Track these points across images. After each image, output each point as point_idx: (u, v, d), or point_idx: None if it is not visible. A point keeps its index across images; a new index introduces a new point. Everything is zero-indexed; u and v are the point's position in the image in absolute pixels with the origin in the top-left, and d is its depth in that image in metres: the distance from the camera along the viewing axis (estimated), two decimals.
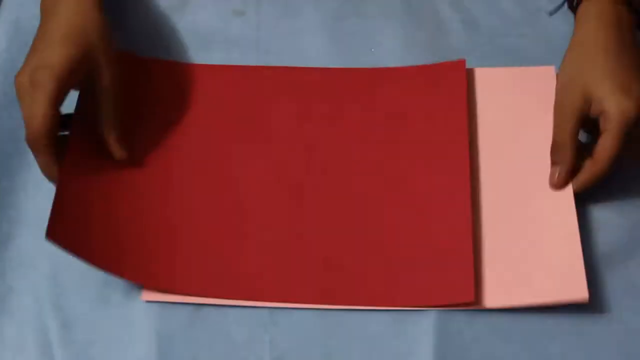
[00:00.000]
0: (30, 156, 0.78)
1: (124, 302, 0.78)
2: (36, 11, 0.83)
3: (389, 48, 0.95)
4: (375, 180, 0.85)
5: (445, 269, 0.78)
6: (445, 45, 0.95)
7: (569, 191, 0.82)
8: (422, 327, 0.77)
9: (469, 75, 0.91)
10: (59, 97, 0.77)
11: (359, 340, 0.77)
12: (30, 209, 0.83)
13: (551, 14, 0.90)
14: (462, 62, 0.91)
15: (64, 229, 0.76)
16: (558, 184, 0.82)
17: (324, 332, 0.77)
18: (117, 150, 0.82)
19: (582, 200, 0.83)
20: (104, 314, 0.78)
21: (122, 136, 0.82)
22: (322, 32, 0.96)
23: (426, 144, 0.86)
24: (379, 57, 0.94)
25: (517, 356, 0.76)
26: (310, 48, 0.95)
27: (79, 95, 0.86)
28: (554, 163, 0.83)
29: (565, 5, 0.95)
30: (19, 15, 0.97)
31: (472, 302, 0.76)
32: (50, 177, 0.79)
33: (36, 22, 0.82)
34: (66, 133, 0.81)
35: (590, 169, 0.80)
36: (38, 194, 0.84)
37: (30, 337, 0.77)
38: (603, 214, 0.83)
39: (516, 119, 0.88)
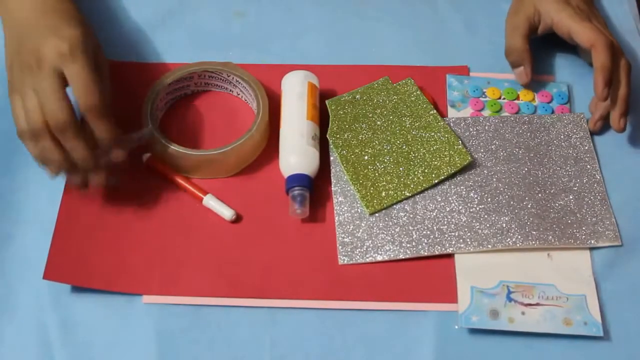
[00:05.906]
0: (30, 156, 0.77)
1: (124, 302, 0.78)
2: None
3: (389, 48, 0.95)
4: None
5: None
6: (445, 45, 0.95)
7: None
8: (422, 327, 0.77)
9: None
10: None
11: (359, 340, 0.77)
12: (30, 209, 0.83)
13: None
14: (464, 68, 0.92)
15: (61, 267, 0.78)
16: (528, 80, 0.90)
17: (324, 332, 0.77)
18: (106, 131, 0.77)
19: None
20: (104, 314, 0.78)
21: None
22: (322, 32, 0.97)
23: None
24: (379, 57, 0.94)
25: (517, 356, 0.76)
26: (310, 48, 0.95)
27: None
28: (514, 65, 0.91)
29: None
30: None
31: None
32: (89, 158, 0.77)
33: None
34: None
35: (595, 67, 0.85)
36: (38, 193, 0.84)
37: (30, 337, 0.76)
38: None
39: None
